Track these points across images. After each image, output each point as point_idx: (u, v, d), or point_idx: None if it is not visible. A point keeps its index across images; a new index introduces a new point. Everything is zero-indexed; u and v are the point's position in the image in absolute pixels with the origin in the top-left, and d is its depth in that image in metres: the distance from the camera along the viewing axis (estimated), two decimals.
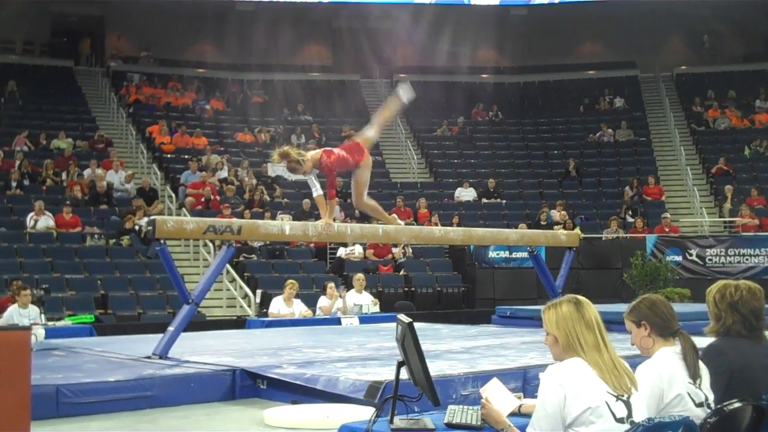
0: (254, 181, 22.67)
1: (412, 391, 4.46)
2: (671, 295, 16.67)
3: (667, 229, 21.20)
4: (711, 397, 4.20)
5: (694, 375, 4.16)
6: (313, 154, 8.95)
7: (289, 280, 14.38)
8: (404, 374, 4.46)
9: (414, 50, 31.92)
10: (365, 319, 13.86)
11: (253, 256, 19.31)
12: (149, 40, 30.50)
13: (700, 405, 4.10)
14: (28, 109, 25.74)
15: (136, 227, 18.85)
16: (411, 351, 4.29)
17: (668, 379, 4.11)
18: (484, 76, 32.79)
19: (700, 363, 4.24)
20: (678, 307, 4.40)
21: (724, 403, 4.08)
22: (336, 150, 9.08)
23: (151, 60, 30.32)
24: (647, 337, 4.34)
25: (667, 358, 4.20)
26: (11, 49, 29.25)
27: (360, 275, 15.50)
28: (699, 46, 31.86)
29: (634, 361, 4.16)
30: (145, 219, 18.20)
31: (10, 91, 26.07)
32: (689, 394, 4.10)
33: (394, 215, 10.84)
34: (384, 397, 5.14)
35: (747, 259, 19.64)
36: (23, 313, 11.93)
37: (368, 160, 9.30)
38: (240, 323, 14.91)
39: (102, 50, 30.48)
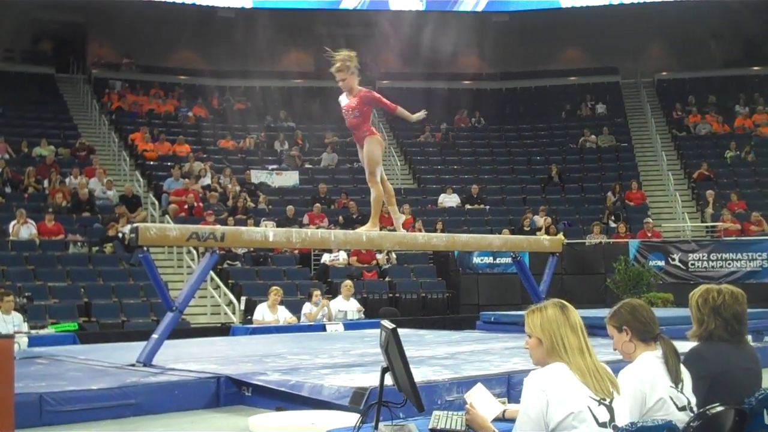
0: (237, 188, 22.65)
1: (396, 397, 4.47)
2: (654, 300, 16.75)
3: (649, 234, 21.29)
4: (693, 400, 4.22)
5: (676, 379, 4.19)
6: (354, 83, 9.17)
7: (274, 287, 14.38)
8: (389, 380, 4.47)
9: (396, 57, 31.95)
10: (350, 326, 13.86)
11: (237, 262, 19.29)
12: (131, 47, 30.42)
13: (682, 409, 4.13)
14: (9, 117, 25.58)
15: (119, 234, 18.79)
16: (395, 357, 4.30)
17: (650, 383, 4.13)
18: (466, 82, 32.91)
19: (682, 367, 4.27)
20: (661, 312, 4.43)
21: (707, 407, 4.10)
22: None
23: (133, 67, 30.26)
24: (629, 342, 4.36)
25: (649, 362, 4.23)
26: None
27: (348, 282, 15.51)
28: (706, 50, 31.83)
29: (617, 366, 4.19)
30: (128, 226, 18.10)
31: None
32: (671, 398, 4.13)
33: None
34: (369, 404, 5.14)
35: (729, 264, 19.74)
36: (7, 320, 11.88)
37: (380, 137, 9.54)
38: (224, 330, 14.88)
39: (84, 57, 30.37)
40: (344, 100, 9.36)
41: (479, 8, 30.81)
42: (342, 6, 30.11)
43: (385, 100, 9.28)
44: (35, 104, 26.88)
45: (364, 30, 29.55)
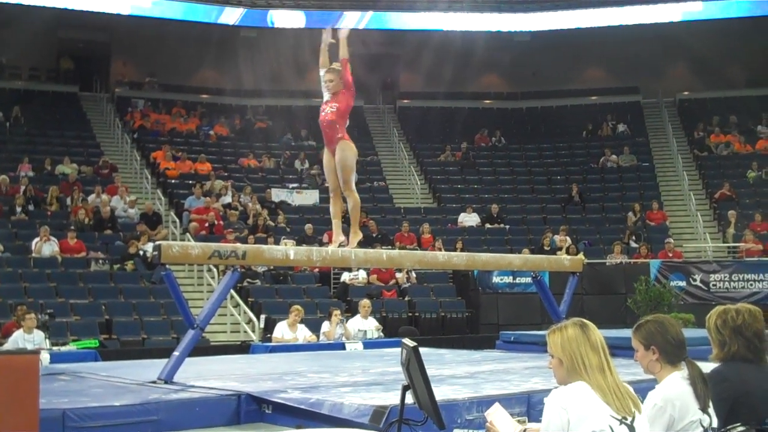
0: (258, 207, 22.73)
1: (417, 415, 4.48)
2: (675, 321, 16.64)
3: (670, 254, 21.21)
4: (716, 421, 4.17)
5: (705, 405, 4.09)
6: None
7: (295, 307, 14.40)
8: (409, 398, 4.48)
9: (417, 76, 32.06)
10: (369, 345, 13.86)
11: (257, 281, 19.33)
12: (154, 66, 30.66)
13: (706, 430, 4.07)
14: (33, 135, 25.84)
15: (140, 252, 18.89)
16: (416, 375, 4.32)
17: (680, 407, 4.07)
18: (487, 101, 32.94)
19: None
20: None
21: (728, 427, 4.08)
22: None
23: (155, 86, 30.47)
24: (655, 362, 4.26)
25: (679, 385, 4.15)
26: (17, 75, 29.38)
27: (366, 301, 15.53)
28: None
29: (639, 387, 4.16)
30: (150, 244, 18.24)
31: (15, 117, 26.21)
32: (700, 421, 4.07)
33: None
34: (389, 422, 5.15)
35: (751, 285, 19.61)
36: (28, 338, 11.97)
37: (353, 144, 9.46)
38: (244, 348, 14.89)
39: (107, 76, 30.63)
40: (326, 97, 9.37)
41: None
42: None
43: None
44: (59, 122, 27.12)
45: (386, 49, 29.67)
